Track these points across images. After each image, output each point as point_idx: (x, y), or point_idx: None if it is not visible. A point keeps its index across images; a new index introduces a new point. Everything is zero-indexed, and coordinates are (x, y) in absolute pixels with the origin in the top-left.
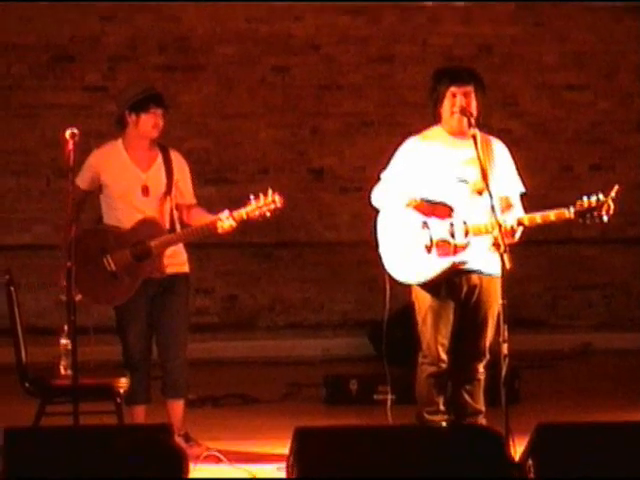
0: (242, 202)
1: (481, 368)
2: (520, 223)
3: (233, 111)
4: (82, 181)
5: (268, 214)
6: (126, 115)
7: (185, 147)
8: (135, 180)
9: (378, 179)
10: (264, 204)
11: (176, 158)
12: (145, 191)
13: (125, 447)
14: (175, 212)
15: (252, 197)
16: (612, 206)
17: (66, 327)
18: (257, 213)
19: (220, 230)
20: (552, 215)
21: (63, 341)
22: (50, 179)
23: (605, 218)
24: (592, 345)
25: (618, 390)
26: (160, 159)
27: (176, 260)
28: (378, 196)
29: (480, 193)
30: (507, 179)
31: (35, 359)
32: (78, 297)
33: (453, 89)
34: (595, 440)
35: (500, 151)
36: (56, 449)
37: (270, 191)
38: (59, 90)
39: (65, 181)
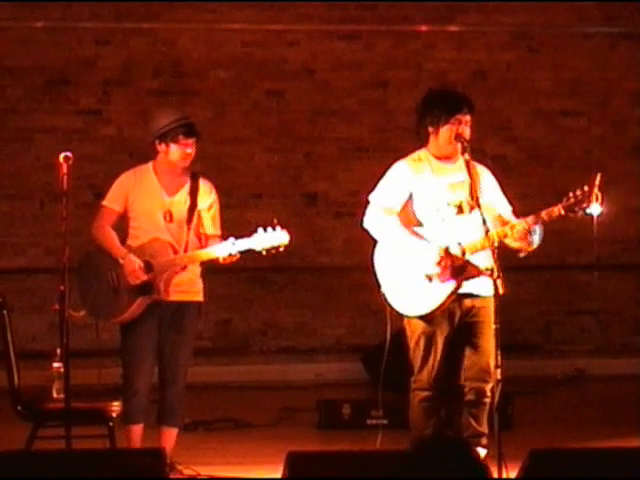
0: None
1: (489, 391)
2: (538, 218)
3: (227, 135)
4: (115, 203)
5: (272, 250)
6: (156, 144)
7: None
8: (159, 204)
9: (367, 202)
10: (271, 247)
11: (204, 188)
12: (168, 216)
13: (117, 471)
14: (196, 241)
15: (261, 230)
16: (600, 195)
17: (59, 350)
18: (263, 251)
19: (221, 259)
20: (544, 214)
21: (56, 364)
22: (44, 203)
23: (599, 208)
24: (586, 371)
25: (612, 416)
26: (188, 187)
27: (188, 288)
28: (374, 224)
29: (471, 209)
30: (496, 200)
31: (28, 382)
32: (82, 313)
33: (459, 117)
34: (588, 466)
35: (485, 175)
36: (48, 473)
37: (279, 230)
38: (54, 113)
39: (59, 205)
